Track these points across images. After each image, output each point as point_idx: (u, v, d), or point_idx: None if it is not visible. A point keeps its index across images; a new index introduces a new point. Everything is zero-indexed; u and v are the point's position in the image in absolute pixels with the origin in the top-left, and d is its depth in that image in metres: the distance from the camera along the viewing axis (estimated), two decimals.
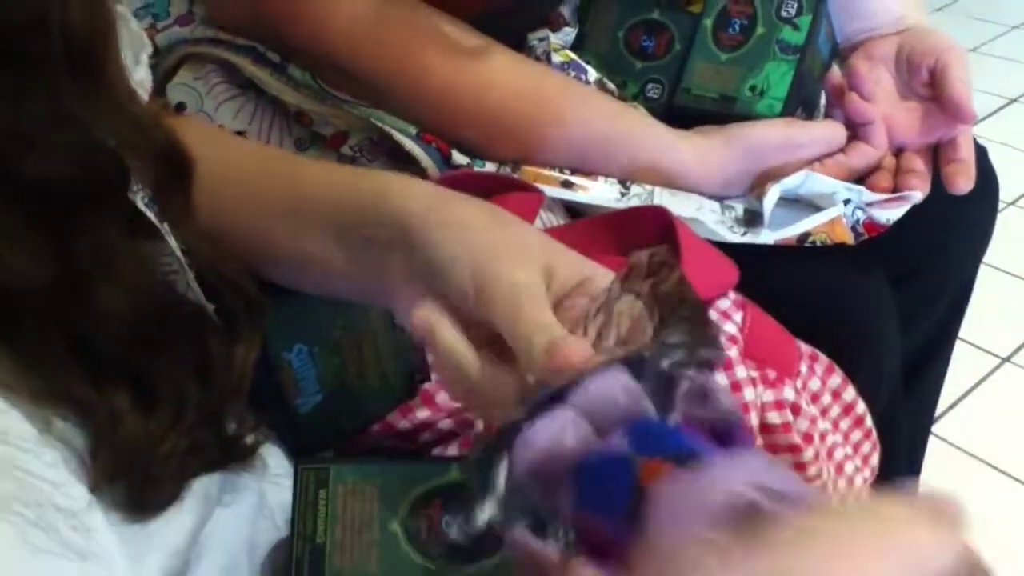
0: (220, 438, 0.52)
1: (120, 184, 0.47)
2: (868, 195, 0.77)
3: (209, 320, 0.54)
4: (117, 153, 0.46)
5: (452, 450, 0.60)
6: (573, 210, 0.80)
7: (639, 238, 0.73)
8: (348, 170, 0.67)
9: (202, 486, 0.52)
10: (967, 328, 1.57)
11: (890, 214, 0.77)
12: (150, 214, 0.52)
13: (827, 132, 0.76)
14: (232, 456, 0.54)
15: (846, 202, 0.77)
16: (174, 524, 0.51)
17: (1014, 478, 1.45)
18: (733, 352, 0.67)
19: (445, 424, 0.61)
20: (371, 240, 0.53)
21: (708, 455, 0.28)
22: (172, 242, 0.54)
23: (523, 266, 0.48)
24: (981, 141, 0.88)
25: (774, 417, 0.66)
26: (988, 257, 1.82)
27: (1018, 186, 2.06)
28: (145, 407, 0.49)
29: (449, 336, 0.48)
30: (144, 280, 0.50)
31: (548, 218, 0.78)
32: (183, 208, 0.54)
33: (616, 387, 0.30)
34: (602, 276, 0.50)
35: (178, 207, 0.53)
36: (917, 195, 0.77)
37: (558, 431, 0.30)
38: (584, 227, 0.75)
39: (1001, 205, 1.97)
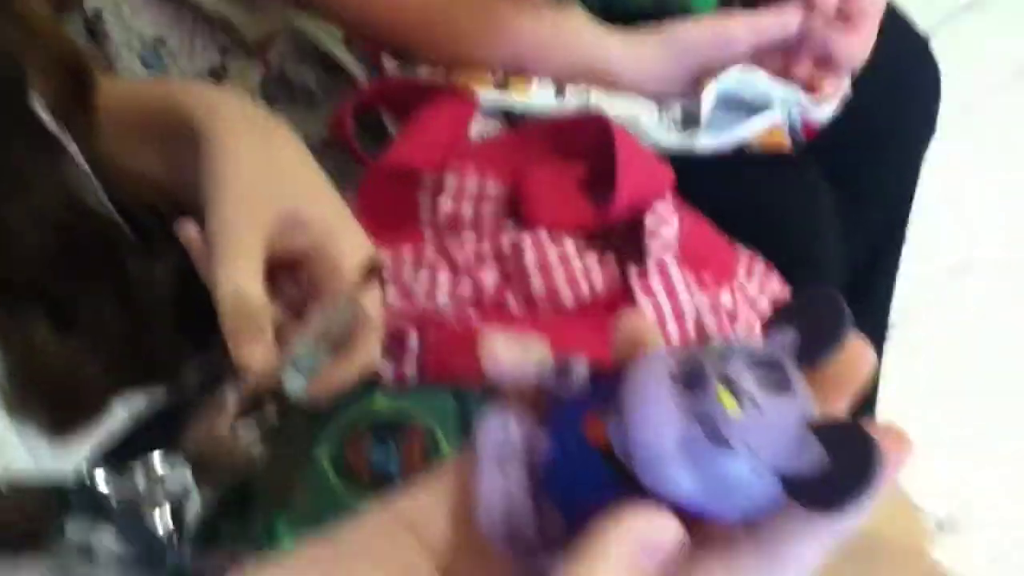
0: (142, 358, 0.51)
1: (17, 90, 0.45)
2: (804, 97, 0.75)
3: (124, 237, 0.53)
4: (13, 57, 0.44)
5: (387, 369, 0.59)
6: (511, 118, 0.78)
7: (576, 144, 0.71)
8: (153, 82, 0.66)
9: (125, 404, 0.52)
10: (922, 234, 1.58)
11: (825, 112, 0.76)
12: (53, 126, 0.50)
13: (762, 23, 0.72)
14: (158, 375, 0.53)
15: (781, 103, 0.76)
16: (95, 439, 0.50)
17: (968, 389, 1.48)
18: (669, 256, 0.67)
19: None
20: (177, 147, 0.52)
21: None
22: (78, 156, 0.52)
23: (253, 213, 0.47)
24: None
25: (711, 322, 0.66)
26: (944, 162, 1.82)
27: (975, 89, 2.05)
28: (62, 328, 0.48)
29: (204, 258, 0.48)
30: (52, 195, 0.49)
31: (484, 124, 0.76)
32: (86, 119, 0.52)
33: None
34: (350, 250, 0.49)
35: (81, 118, 0.51)
36: (845, 83, 0.76)
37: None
38: (521, 135, 0.73)
39: (958, 110, 1.97)
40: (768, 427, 0.24)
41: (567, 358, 0.28)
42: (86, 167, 0.52)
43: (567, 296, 0.65)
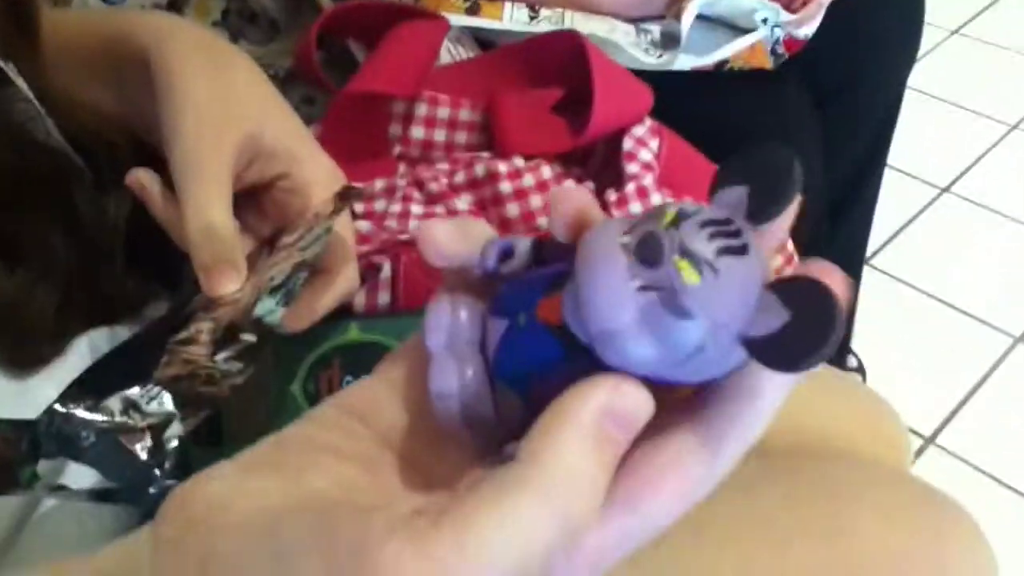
0: (99, 294, 0.50)
1: None
2: (785, 14, 0.73)
3: (73, 170, 0.51)
4: None
5: (359, 297, 0.57)
6: (483, 42, 0.76)
7: (550, 66, 0.69)
8: (105, 12, 0.64)
9: (88, 341, 0.50)
10: (906, 159, 1.57)
11: (807, 28, 0.74)
12: None
13: None
14: (113, 314, 0.51)
15: (763, 21, 0.74)
16: (56, 380, 0.49)
17: (949, 304, 1.48)
18: (649, 180, 0.65)
19: None
20: (129, 79, 0.50)
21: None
22: (24, 86, 0.50)
23: (215, 138, 0.45)
24: None
25: None
26: (928, 86, 1.80)
27: (961, 13, 2.02)
28: (8, 261, 0.47)
29: (158, 202, 0.46)
30: None
31: (457, 51, 0.74)
32: (32, 51, 0.50)
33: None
34: (310, 170, 0.48)
35: (26, 51, 0.49)
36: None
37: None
38: (493, 59, 0.71)
39: (944, 33, 1.95)
40: (727, 292, 0.23)
41: (510, 238, 0.27)
42: (35, 100, 0.50)
43: (544, 222, 0.63)
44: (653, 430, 0.24)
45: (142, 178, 0.47)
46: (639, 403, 0.23)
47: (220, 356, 0.43)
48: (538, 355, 0.25)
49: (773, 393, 0.24)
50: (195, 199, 0.44)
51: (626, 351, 0.23)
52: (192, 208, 0.44)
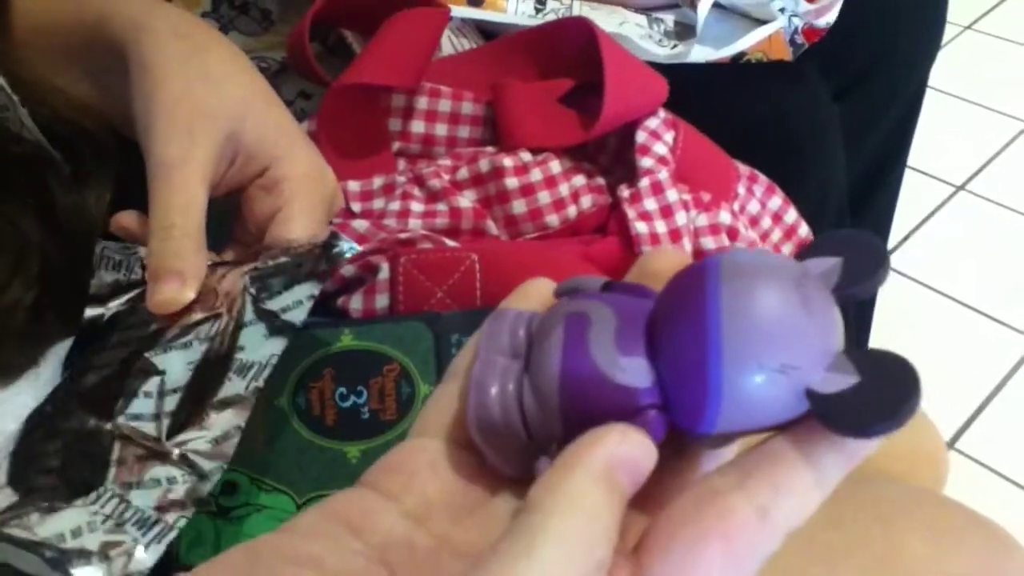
0: (76, 292, 0.46)
1: None
2: (804, 4, 0.70)
3: (50, 161, 0.48)
4: None
5: (356, 301, 0.54)
6: (487, 34, 0.72)
7: (559, 56, 0.66)
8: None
9: (63, 349, 0.47)
10: (921, 157, 1.53)
11: (827, 17, 0.70)
12: None
13: None
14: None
15: (781, 10, 0.70)
16: (32, 390, 0.46)
17: (967, 305, 1.44)
18: (664, 174, 0.61)
19: (348, 271, 0.54)
20: (106, 68, 0.46)
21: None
22: None
23: (189, 137, 0.42)
24: None
25: (709, 243, 0.61)
26: (942, 83, 1.77)
27: (975, 8, 1.99)
28: None
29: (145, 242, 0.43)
30: None
31: (460, 42, 0.70)
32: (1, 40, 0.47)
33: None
34: (296, 163, 0.46)
35: None
36: None
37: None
38: (498, 49, 0.67)
39: (957, 29, 1.91)
40: (806, 334, 0.23)
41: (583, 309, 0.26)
42: (7, 87, 0.46)
43: (553, 219, 0.59)
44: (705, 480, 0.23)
45: (124, 222, 0.45)
46: (644, 452, 0.23)
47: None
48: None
49: (831, 463, 0.23)
50: (160, 202, 0.41)
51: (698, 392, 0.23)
52: (155, 213, 0.41)
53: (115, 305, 0.44)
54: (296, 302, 0.41)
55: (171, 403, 0.39)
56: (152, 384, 0.40)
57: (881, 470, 0.55)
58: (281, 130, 0.46)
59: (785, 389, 0.22)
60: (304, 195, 0.46)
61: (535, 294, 0.28)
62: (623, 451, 0.23)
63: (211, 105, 0.43)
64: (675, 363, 0.23)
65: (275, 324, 0.41)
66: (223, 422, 0.38)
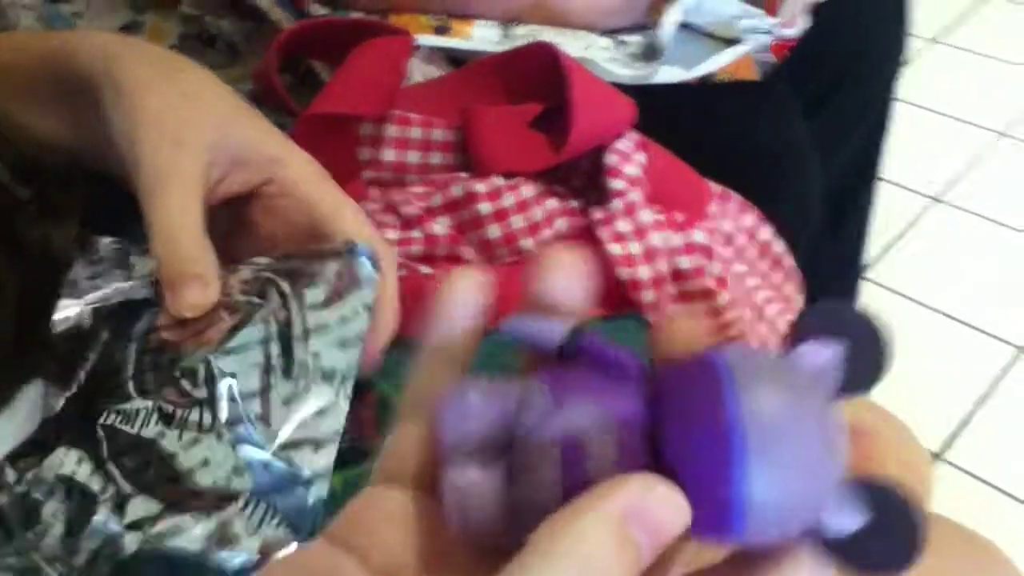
0: (43, 328, 0.46)
1: None
2: (768, 19, 0.70)
3: (14, 196, 0.47)
4: None
5: None
6: (456, 61, 0.73)
7: (526, 81, 0.66)
8: (44, 34, 0.60)
9: (37, 389, 0.46)
10: (896, 170, 1.54)
11: (795, 28, 0.70)
12: None
13: None
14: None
15: (749, 31, 0.70)
16: (5, 435, 0.45)
17: (949, 316, 1.44)
18: (636, 195, 0.61)
19: None
20: (74, 102, 0.46)
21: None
22: None
23: (176, 146, 0.42)
24: None
25: (685, 262, 0.61)
26: (911, 95, 1.78)
27: (939, 20, 2.01)
28: None
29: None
30: None
31: (427, 70, 0.70)
32: None
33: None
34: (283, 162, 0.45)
35: None
36: None
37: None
38: (466, 75, 0.68)
39: (921, 42, 1.93)
40: (822, 474, 0.21)
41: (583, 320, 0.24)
42: None
43: (528, 243, 0.59)
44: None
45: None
46: (672, 509, 0.20)
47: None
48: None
49: None
50: (158, 213, 0.41)
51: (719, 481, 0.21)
52: (156, 223, 0.41)
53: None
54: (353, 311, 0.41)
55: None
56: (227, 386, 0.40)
57: None
58: (270, 134, 0.46)
59: (802, 512, 0.21)
60: (330, 186, 0.46)
61: (463, 310, 0.26)
62: (643, 503, 0.20)
63: (195, 116, 0.43)
64: (693, 479, 0.21)
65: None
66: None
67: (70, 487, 0.39)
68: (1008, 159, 1.70)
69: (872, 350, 0.22)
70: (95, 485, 0.38)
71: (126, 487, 0.38)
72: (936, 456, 1.25)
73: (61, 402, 0.42)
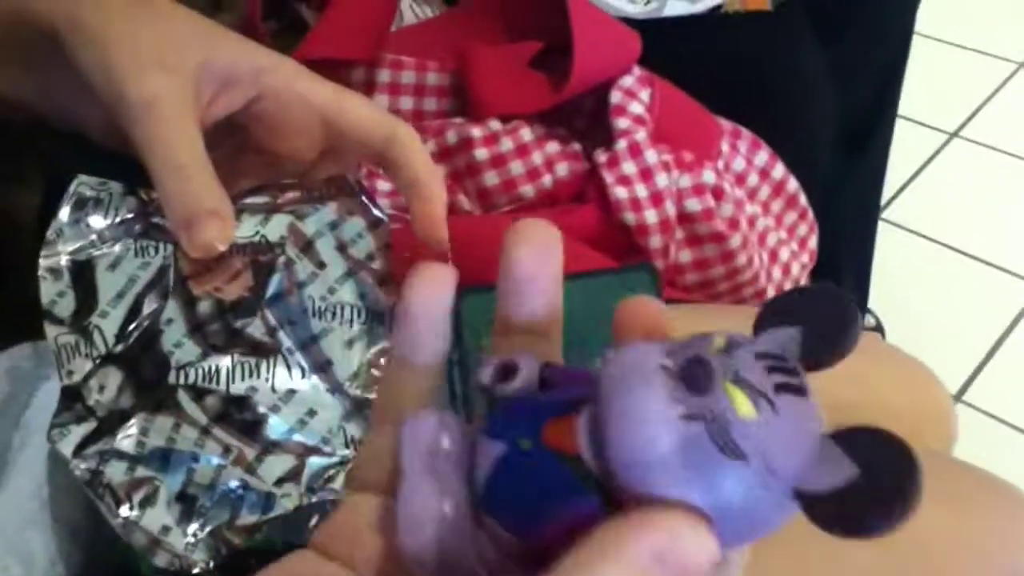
0: (14, 299, 0.44)
1: None
2: None
3: None
4: None
5: None
6: (450, 2, 0.69)
7: (525, 18, 0.62)
8: None
9: (9, 359, 0.44)
10: (912, 106, 1.49)
11: None
12: None
13: None
14: (33, 324, 0.45)
15: None
16: None
17: (967, 254, 1.41)
18: (642, 135, 0.58)
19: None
20: (35, 53, 0.43)
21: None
22: None
23: (160, 70, 0.39)
24: None
25: (693, 204, 0.58)
26: (923, 27, 1.73)
27: None
28: None
29: None
30: None
31: (421, 11, 0.67)
32: None
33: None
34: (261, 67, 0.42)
35: None
36: None
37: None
38: (462, 14, 0.64)
39: None
40: (786, 432, 0.20)
41: (515, 356, 0.23)
42: None
43: (527, 190, 0.56)
44: None
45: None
46: (703, 552, 0.18)
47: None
48: (543, 486, 0.21)
49: None
50: (156, 146, 0.38)
51: (659, 489, 0.19)
52: (157, 157, 0.38)
53: (119, 249, 0.41)
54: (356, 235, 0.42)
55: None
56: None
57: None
58: (251, 46, 0.42)
59: (772, 493, 0.19)
60: (327, 81, 0.43)
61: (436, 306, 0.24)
62: (675, 547, 0.18)
63: (174, 38, 0.40)
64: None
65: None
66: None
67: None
68: None
69: (835, 322, 0.22)
70: (213, 457, 0.37)
71: (249, 451, 0.38)
72: (956, 398, 1.23)
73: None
